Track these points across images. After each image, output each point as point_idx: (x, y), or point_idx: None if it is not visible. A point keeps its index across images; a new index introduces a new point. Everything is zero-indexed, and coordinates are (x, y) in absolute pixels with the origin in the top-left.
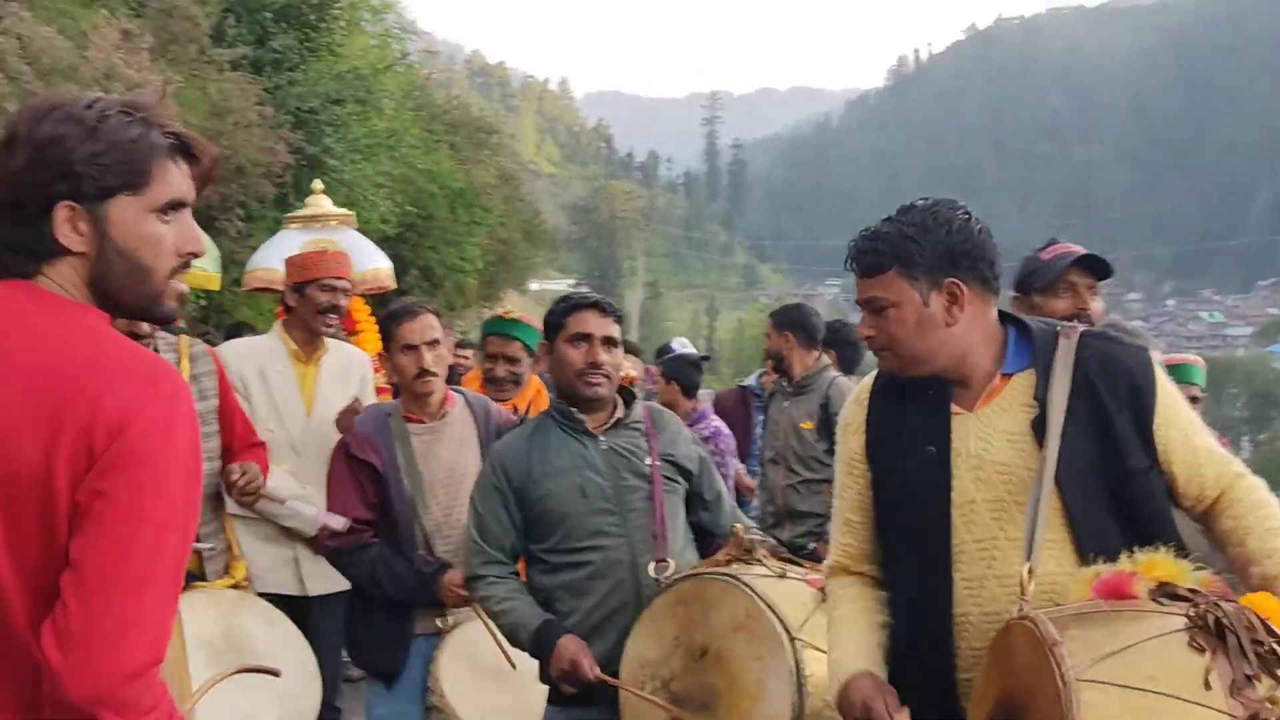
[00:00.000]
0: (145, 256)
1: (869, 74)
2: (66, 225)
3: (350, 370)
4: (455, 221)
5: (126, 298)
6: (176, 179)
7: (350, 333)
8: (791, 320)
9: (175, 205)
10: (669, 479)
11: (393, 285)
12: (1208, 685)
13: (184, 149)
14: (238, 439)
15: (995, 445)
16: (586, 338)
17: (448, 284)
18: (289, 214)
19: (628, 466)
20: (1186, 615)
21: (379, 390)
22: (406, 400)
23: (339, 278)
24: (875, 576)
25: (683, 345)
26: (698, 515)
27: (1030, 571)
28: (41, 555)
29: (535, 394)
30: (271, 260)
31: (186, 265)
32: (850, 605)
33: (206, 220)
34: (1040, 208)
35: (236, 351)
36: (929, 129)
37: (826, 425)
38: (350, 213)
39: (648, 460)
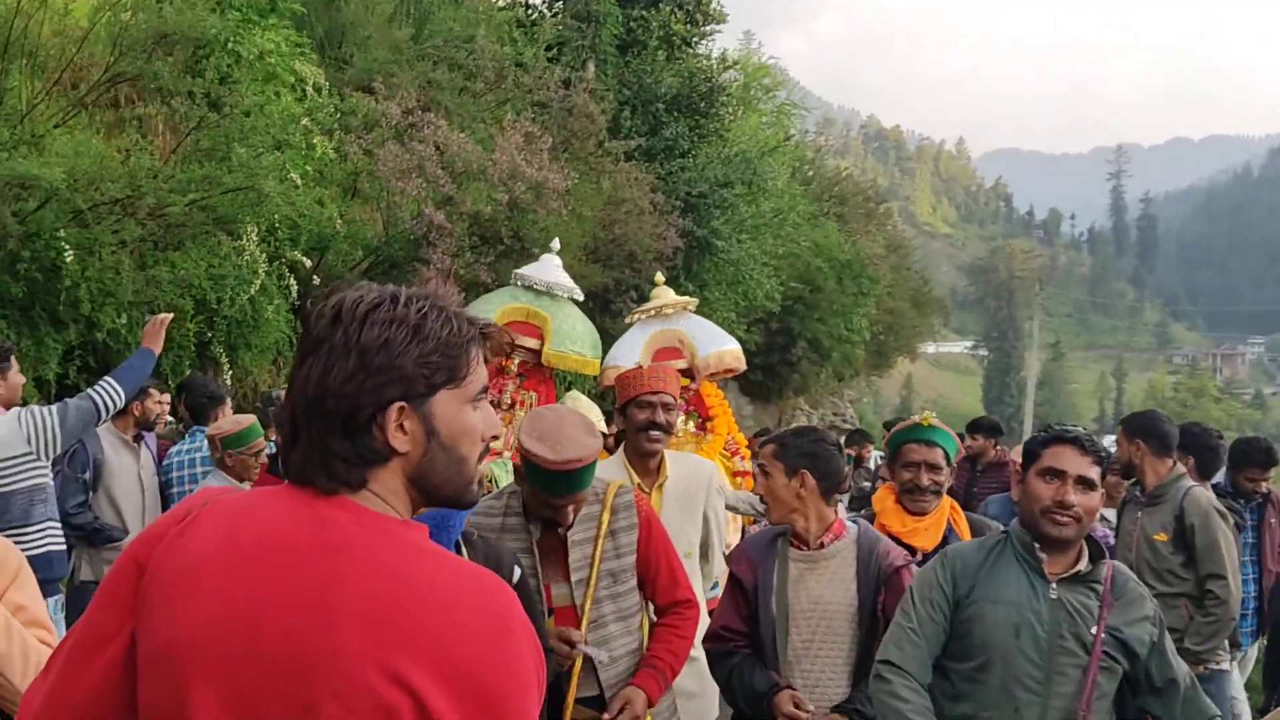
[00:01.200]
0: (464, 447)
1: None
2: (396, 428)
3: (695, 492)
4: (842, 293)
5: (445, 490)
6: (481, 367)
7: (704, 419)
8: (1142, 428)
9: (484, 392)
10: (1110, 655)
11: (742, 367)
12: None
13: (484, 336)
14: (662, 594)
15: None
16: (1060, 474)
17: (835, 355)
18: (636, 309)
19: (1071, 626)
20: None
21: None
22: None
23: (655, 392)
24: None
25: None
26: (1144, 699)
27: None
28: None
29: (950, 511)
30: (620, 358)
31: (488, 450)
32: None
33: (604, 304)
34: None
35: None
36: None
37: (1181, 537)
38: (691, 299)
39: (1093, 629)
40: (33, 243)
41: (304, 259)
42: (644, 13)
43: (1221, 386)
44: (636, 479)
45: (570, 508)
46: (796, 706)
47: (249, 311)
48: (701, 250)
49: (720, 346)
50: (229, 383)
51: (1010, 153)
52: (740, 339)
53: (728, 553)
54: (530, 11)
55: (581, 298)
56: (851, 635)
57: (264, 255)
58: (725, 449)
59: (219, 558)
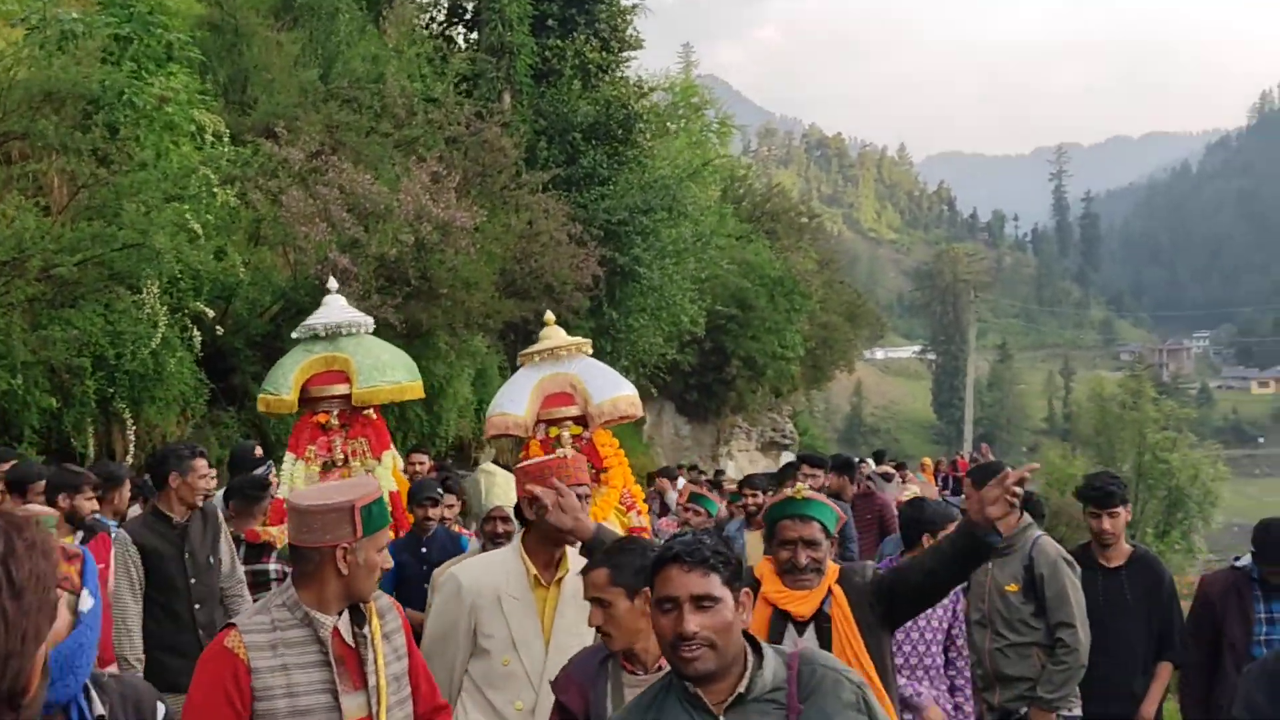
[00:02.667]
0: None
1: (1229, 113)
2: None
3: None
4: (775, 310)
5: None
6: None
7: (598, 470)
8: (986, 479)
9: None
10: None
11: (638, 413)
12: None
13: None
14: (423, 701)
15: None
16: (673, 601)
17: (770, 371)
18: (523, 351)
19: None
20: None
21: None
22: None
23: (578, 484)
24: None
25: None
26: None
27: None
28: None
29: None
30: (506, 404)
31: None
32: None
33: (525, 337)
34: None
35: (474, 575)
36: None
37: (1031, 586)
38: (585, 340)
39: None
40: None
41: (207, 310)
42: (558, 42)
43: (1166, 384)
44: (534, 570)
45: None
46: None
47: (151, 365)
48: (623, 278)
49: (616, 392)
50: (133, 439)
51: (952, 156)
52: (672, 360)
53: None
54: (443, 47)
55: (373, 327)
56: None
57: (165, 308)
58: (620, 503)
59: None
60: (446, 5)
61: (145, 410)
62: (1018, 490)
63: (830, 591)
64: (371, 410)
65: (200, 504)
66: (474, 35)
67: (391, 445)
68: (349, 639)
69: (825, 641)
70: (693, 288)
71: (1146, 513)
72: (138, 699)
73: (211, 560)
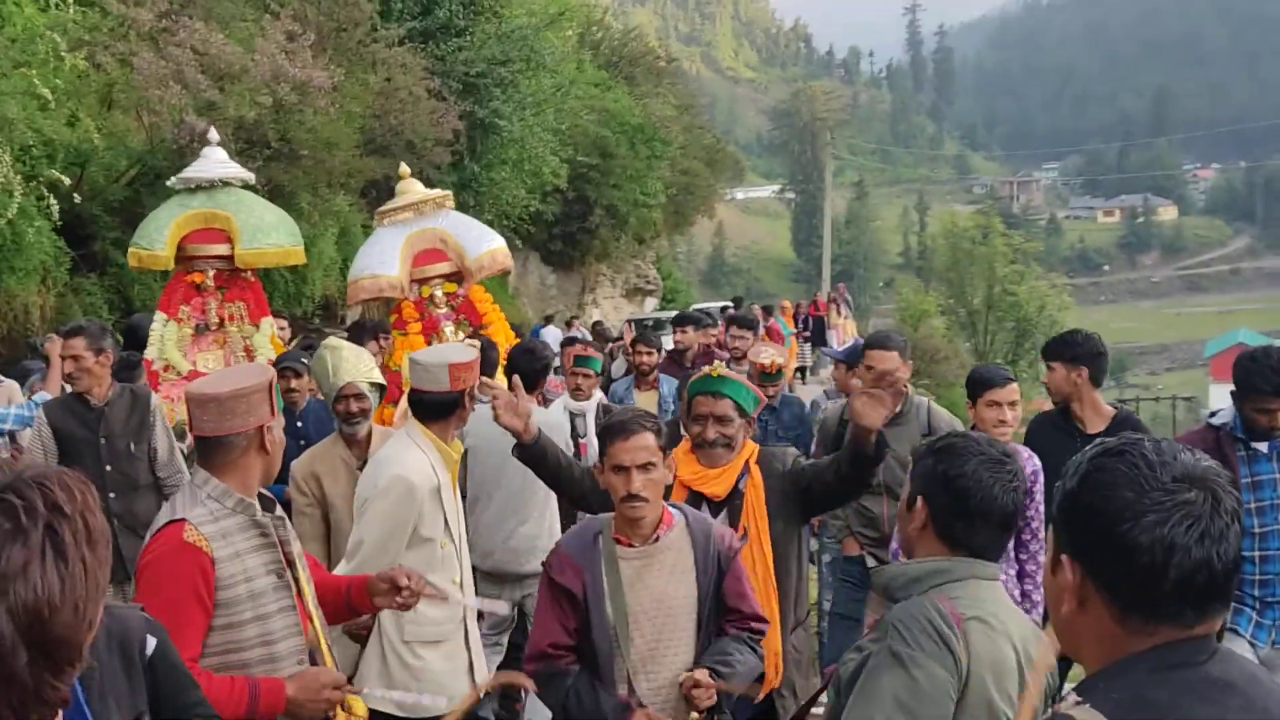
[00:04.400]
0: None
1: None
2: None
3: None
4: (635, 158)
5: None
6: None
7: (477, 328)
8: (853, 362)
9: None
10: None
11: (510, 265)
12: None
13: None
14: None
15: None
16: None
17: (633, 219)
18: (381, 209)
19: None
20: None
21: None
22: (618, 520)
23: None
24: None
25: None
26: None
27: None
28: None
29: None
30: (375, 265)
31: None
32: None
33: (388, 195)
34: (1271, 72)
35: (417, 473)
36: None
37: None
38: (446, 193)
39: None
40: None
41: (62, 177)
42: None
43: (1016, 216)
44: (451, 454)
45: None
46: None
47: (9, 235)
48: (484, 131)
49: (491, 245)
50: None
51: None
52: (535, 211)
53: None
54: None
55: (252, 180)
56: (694, 629)
57: (19, 177)
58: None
59: None
60: None
61: (5, 280)
62: (891, 389)
63: (747, 471)
64: (250, 273)
65: (76, 385)
66: None
67: (270, 314)
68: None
69: (735, 520)
70: (553, 139)
71: (995, 344)
72: (124, 634)
73: (133, 448)
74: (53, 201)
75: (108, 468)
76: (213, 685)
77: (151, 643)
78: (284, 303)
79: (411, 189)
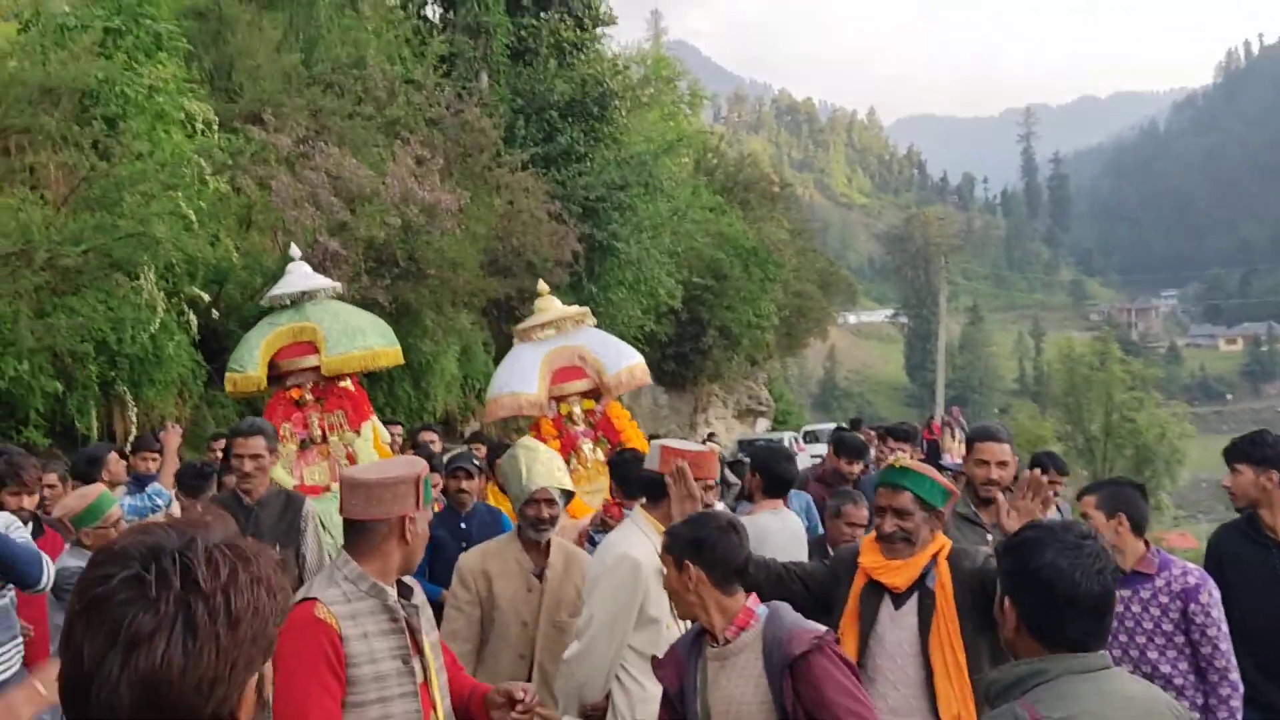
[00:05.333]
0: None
1: (1196, 72)
2: (251, 701)
3: None
4: (749, 280)
5: None
6: None
7: (615, 445)
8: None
9: None
10: None
11: (648, 380)
12: None
13: None
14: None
15: None
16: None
17: (745, 340)
18: (520, 325)
19: None
20: None
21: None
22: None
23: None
24: None
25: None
26: None
27: None
28: None
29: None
30: (515, 383)
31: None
32: None
33: (508, 313)
34: None
35: (643, 552)
36: (1265, 126)
37: None
38: (584, 309)
39: None
40: None
41: (202, 294)
42: (533, 21)
43: (1134, 343)
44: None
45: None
46: None
47: (150, 349)
48: (602, 253)
49: (629, 361)
50: (134, 419)
51: (922, 119)
52: (650, 332)
53: None
54: (421, 28)
55: (341, 290)
56: None
57: (162, 294)
58: None
59: None
60: None
61: (145, 392)
62: (1047, 493)
63: (935, 565)
64: (348, 380)
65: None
66: (450, 15)
67: (373, 415)
68: (401, 609)
69: (926, 619)
70: (669, 260)
71: (1114, 472)
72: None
73: (280, 550)
74: (192, 317)
75: None
76: None
77: None
78: (406, 416)
79: (550, 306)
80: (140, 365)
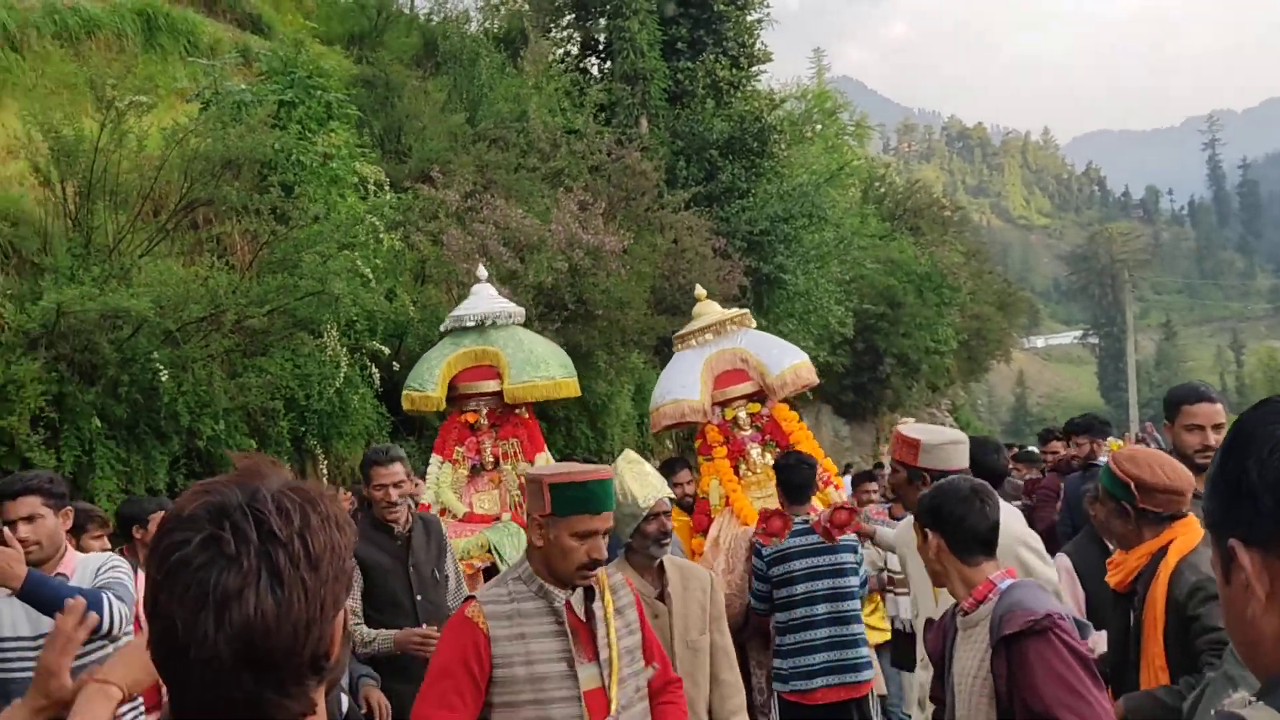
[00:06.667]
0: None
1: None
2: (340, 634)
3: None
4: (924, 305)
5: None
6: None
7: (784, 449)
8: None
9: None
10: None
11: (814, 380)
12: None
13: None
14: (657, 675)
15: None
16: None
17: (925, 367)
18: (679, 332)
19: None
20: None
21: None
22: None
23: None
24: None
25: None
26: None
27: None
28: None
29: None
30: (677, 390)
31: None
32: None
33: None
34: None
35: None
36: None
37: None
38: (744, 311)
39: None
40: (130, 367)
41: (382, 348)
42: (689, 64)
43: None
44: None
45: (604, 540)
46: None
47: (337, 403)
48: (769, 285)
49: (793, 360)
50: (325, 471)
51: (1099, 134)
52: (825, 363)
53: None
54: (579, 79)
55: (523, 319)
56: (990, 713)
57: (345, 349)
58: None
59: None
60: (579, 39)
61: (334, 445)
62: None
63: (1154, 572)
64: (524, 409)
65: (402, 513)
66: (608, 65)
67: (545, 449)
68: (580, 613)
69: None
70: (838, 289)
71: None
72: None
73: (437, 575)
74: (374, 371)
75: (418, 597)
76: None
77: (345, 702)
78: (584, 457)
79: (709, 310)
80: (328, 419)
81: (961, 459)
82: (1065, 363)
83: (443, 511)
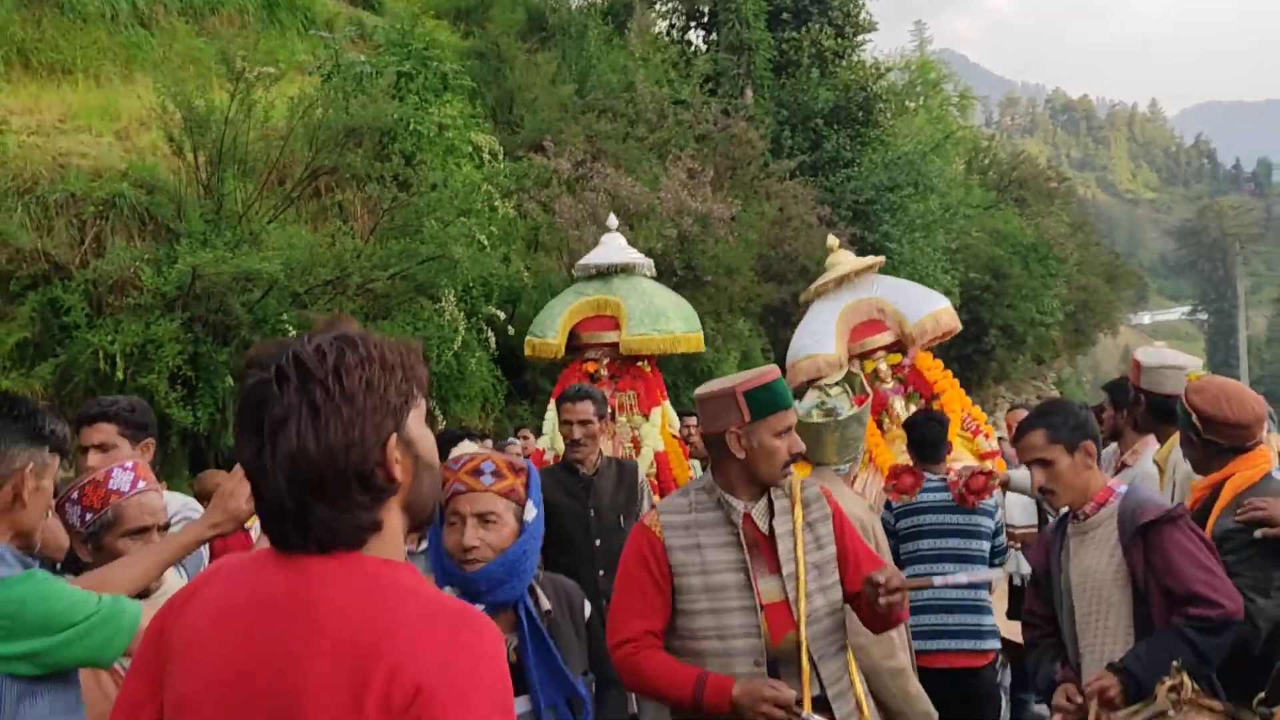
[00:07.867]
0: (434, 460)
1: None
2: (395, 459)
3: None
4: (1030, 276)
5: (427, 508)
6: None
7: (929, 399)
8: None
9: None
10: None
11: (957, 326)
12: None
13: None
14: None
15: None
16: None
17: (1030, 338)
18: (813, 285)
19: None
20: None
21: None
22: None
23: None
24: None
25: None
26: None
27: None
28: None
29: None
30: (811, 345)
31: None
32: None
33: (783, 319)
34: None
35: None
36: None
37: None
38: (878, 258)
39: None
40: (261, 328)
41: (498, 312)
42: (794, 34)
43: None
44: None
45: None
46: (1069, 699)
47: (454, 366)
48: (875, 254)
49: (933, 306)
50: None
51: (1209, 106)
52: None
53: None
54: (685, 50)
55: (653, 272)
56: (1125, 603)
57: (462, 314)
58: (963, 429)
59: (215, 621)
60: (685, 10)
61: (452, 407)
62: None
63: (1210, 506)
64: (645, 363)
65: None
66: (713, 36)
67: (665, 401)
68: (762, 526)
69: None
70: (944, 258)
71: None
72: (570, 599)
73: (622, 521)
74: (490, 335)
75: (597, 542)
76: (666, 666)
77: (588, 608)
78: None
79: (843, 259)
80: (446, 382)
81: (1175, 384)
82: (1173, 339)
83: (556, 458)
